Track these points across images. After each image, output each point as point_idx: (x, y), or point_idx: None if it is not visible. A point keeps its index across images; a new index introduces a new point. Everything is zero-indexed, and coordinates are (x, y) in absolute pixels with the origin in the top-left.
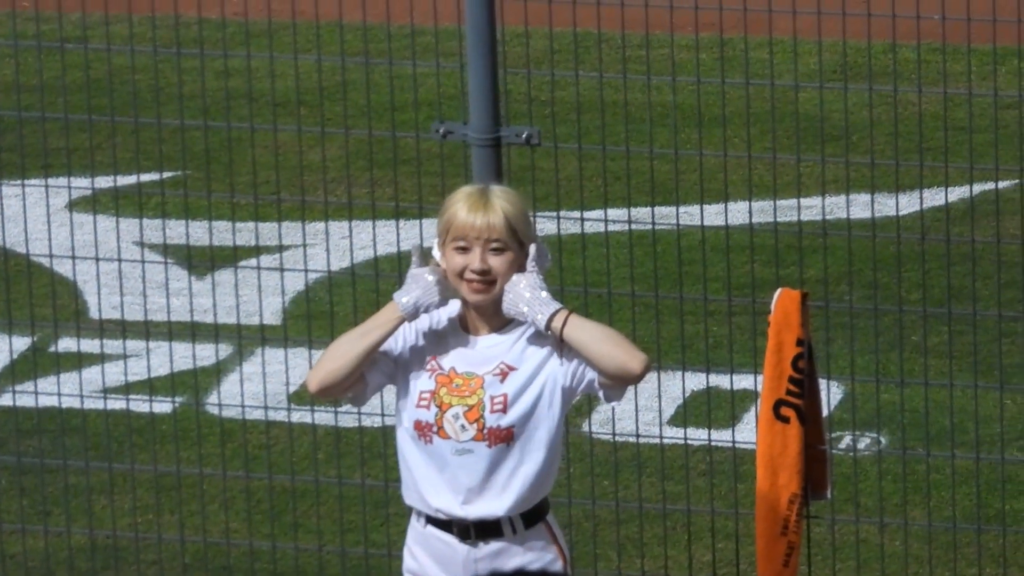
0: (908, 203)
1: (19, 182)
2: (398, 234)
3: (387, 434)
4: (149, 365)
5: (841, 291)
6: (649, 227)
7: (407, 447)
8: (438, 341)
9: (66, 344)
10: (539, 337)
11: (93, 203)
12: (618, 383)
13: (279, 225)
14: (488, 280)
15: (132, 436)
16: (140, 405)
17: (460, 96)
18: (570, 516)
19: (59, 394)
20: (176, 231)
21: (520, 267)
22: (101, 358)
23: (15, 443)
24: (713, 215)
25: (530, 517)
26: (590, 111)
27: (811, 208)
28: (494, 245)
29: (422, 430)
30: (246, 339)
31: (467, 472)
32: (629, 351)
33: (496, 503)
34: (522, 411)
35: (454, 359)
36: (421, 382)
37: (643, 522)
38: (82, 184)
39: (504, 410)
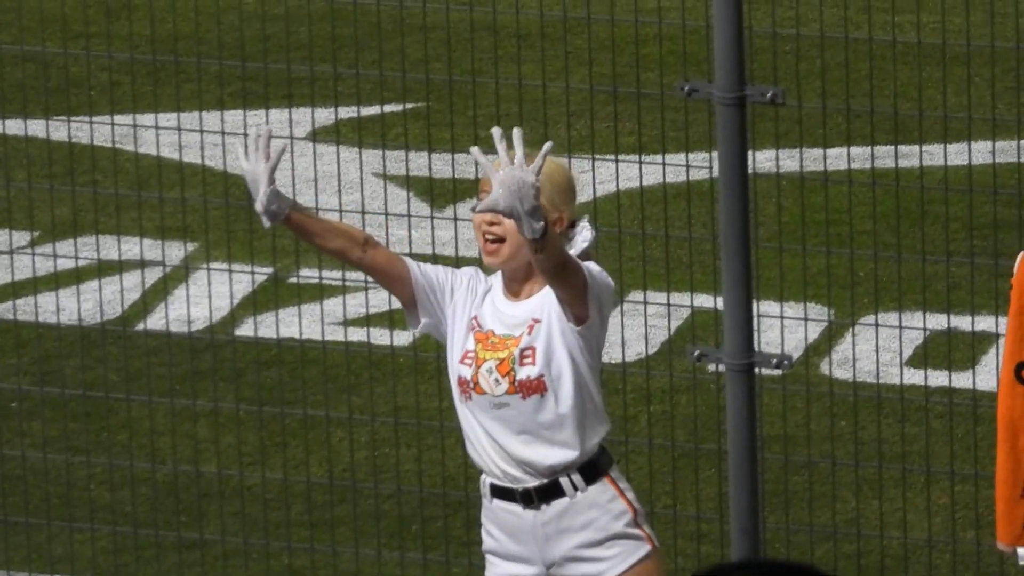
0: None
1: (262, 111)
2: (640, 170)
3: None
4: (390, 297)
5: None
6: (891, 166)
7: (457, 407)
8: (482, 301)
9: (307, 275)
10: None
11: (336, 133)
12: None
13: None
14: (497, 236)
15: (371, 369)
16: (380, 337)
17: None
18: (809, 456)
19: (300, 325)
20: (417, 163)
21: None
22: (343, 289)
23: (255, 374)
24: (955, 155)
25: (589, 472)
26: (833, 47)
27: None
28: None
29: (463, 386)
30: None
31: (507, 425)
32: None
33: (543, 452)
34: (546, 359)
35: (494, 321)
36: (466, 340)
37: (881, 463)
38: (325, 114)
39: (533, 361)
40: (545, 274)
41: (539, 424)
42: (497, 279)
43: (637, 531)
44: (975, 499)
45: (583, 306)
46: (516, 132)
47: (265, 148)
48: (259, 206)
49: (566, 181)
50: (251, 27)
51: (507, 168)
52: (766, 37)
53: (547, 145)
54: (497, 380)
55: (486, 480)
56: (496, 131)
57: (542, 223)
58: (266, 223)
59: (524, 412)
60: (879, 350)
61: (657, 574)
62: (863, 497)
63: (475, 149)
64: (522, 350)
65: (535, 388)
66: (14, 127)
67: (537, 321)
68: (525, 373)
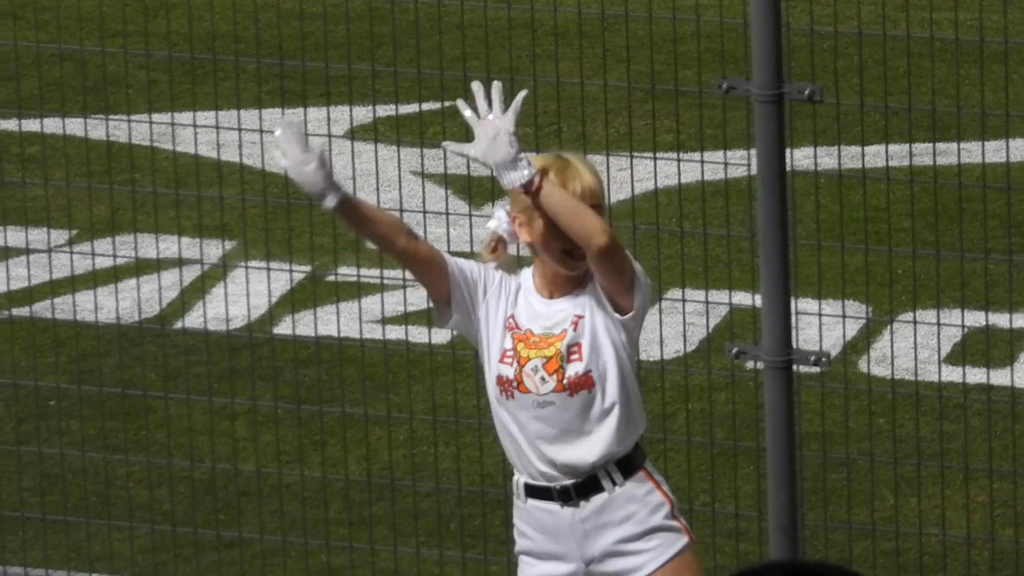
0: None
1: (300, 109)
2: (678, 168)
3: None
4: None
5: None
6: (929, 163)
7: (494, 407)
8: (515, 301)
9: (345, 273)
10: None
11: (374, 131)
12: (595, 264)
13: None
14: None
15: (409, 367)
16: (418, 335)
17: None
18: (847, 453)
19: (338, 324)
20: (455, 161)
21: None
22: (381, 287)
23: (293, 372)
24: (992, 152)
25: (627, 466)
26: (870, 45)
27: None
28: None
29: (503, 385)
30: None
31: (550, 424)
32: (594, 222)
33: (585, 450)
34: (593, 354)
35: (530, 321)
36: (504, 340)
37: (920, 461)
38: (363, 112)
39: (580, 357)
40: (589, 252)
41: (584, 420)
42: (527, 277)
43: (675, 523)
44: (1014, 496)
45: (628, 295)
46: (495, 85)
47: (298, 140)
48: (326, 198)
49: (598, 182)
50: (289, 25)
51: (487, 118)
52: (804, 35)
53: (522, 93)
54: (543, 379)
55: (519, 480)
56: (475, 84)
57: (523, 172)
58: (330, 202)
59: (569, 410)
60: (917, 347)
61: (695, 564)
62: (901, 495)
63: (460, 102)
64: (568, 346)
65: (583, 384)
66: (52, 126)
67: (580, 317)
68: (573, 370)
